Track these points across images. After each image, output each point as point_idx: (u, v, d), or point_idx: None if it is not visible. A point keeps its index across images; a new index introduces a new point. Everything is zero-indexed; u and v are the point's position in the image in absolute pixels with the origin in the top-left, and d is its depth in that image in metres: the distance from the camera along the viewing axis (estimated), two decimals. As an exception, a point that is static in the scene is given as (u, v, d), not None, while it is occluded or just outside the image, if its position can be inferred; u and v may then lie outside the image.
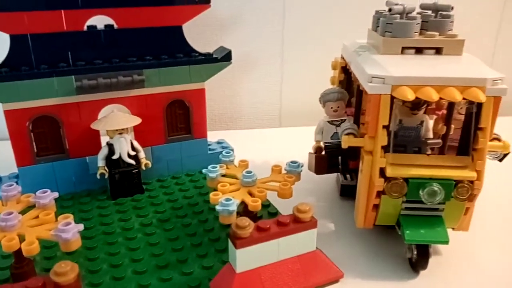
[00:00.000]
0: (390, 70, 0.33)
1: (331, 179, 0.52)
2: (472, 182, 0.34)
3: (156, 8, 0.47)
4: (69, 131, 0.46)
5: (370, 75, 0.34)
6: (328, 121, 0.46)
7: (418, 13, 0.40)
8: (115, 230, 0.42)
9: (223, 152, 0.44)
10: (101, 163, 0.46)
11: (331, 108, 0.45)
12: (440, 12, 0.39)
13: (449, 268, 0.38)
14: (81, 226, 0.31)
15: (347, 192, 0.47)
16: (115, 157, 0.46)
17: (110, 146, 0.46)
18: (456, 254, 0.39)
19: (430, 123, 0.40)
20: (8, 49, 0.42)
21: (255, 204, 0.36)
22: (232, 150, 0.56)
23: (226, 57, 0.51)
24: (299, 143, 0.53)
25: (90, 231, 0.42)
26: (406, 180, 0.34)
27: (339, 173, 0.49)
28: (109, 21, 0.46)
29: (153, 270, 0.36)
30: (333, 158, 0.45)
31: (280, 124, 0.76)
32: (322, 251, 0.37)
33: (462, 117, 0.42)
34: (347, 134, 0.37)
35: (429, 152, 0.39)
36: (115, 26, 0.46)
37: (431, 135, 0.40)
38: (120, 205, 0.46)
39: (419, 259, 0.36)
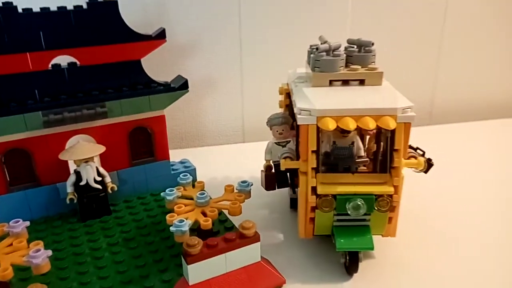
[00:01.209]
0: (315, 104, 0.39)
1: (285, 192, 0.57)
2: (391, 196, 0.40)
3: (116, 46, 0.51)
4: (39, 161, 0.51)
5: (299, 108, 0.39)
6: (275, 143, 0.51)
7: (345, 47, 0.46)
8: (84, 250, 0.46)
9: (181, 175, 0.49)
10: (70, 189, 0.50)
11: (277, 131, 0.50)
12: (363, 47, 0.44)
13: (379, 270, 0.43)
14: (49, 252, 0.36)
15: (296, 205, 0.52)
16: (82, 183, 0.50)
17: (77, 173, 0.50)
18: (386, 257, 0.45)
19: (360, 142, 0.46)
20: (-23, 90, 0.47)
21: (206, 223, 0.41)
22: (194, 169, 0.61)
23: (183, 86, 0.56)
24: (262, 157, 0.57)
25: (61, 253, 0.46)
26: (334, 196, 0.40)
27: (289, 188, 0.55)
28: (72, 59, 0.50)
29: (118, 286, 0.41)
30: (282, 175, 0.50)
31: (243, 140, 0.81)
32: (270, 259, 0.43)
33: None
34: (284, 158, 0.43)
35: (364, 167, 0.45)
36: (78, 63, 0.51)
37: (362, 153, 0.46)
38: (89, 227, 0.50)
39: (350, 264, 0.41)
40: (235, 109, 0.78)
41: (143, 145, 0.57)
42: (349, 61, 0.44)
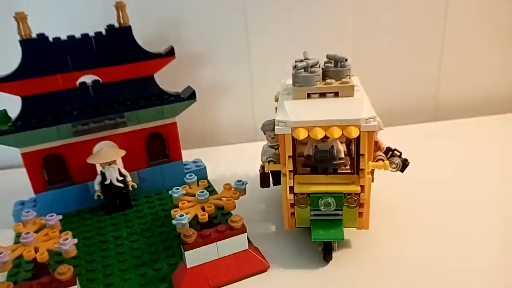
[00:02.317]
0: (290, 116, 0.45)
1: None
2: (358, 194, 0.46)
3: (132, 64, 0.60)
4: (71, 164, 0.60)
5: (277, 120, 0.46)
6: (269, 146, 0.58)
7: (325, 62, 0.52)
8: (108, 239, 0.56)
9: (187, 175, 0.57)
10: (97, 187, 0.60)
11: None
12: (339, 62, 0.50)
13: (353, 258, 0.49)
14: (75, 240, 0.45)
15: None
16: (107, 182, 0.59)
17: (103, 174, 0.60)
18: (362, 248, 0.51)
19: (340, 145, 0.52)
20: (20, 106, 0.56)
21: (203, 217, 0.49)
22: (204, 168, 0.69)
23: (191, 96, 0.64)
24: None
25: (89, 240, 0.55)
26: (309, 194, 0.47)
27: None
28: (95, 77, 0.59)
29: (133, 268, 0.50)
30: (276, 174, 0.57)
31: (255, 139, 0.88)
32: (260, 247, 0.50)
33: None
34: (269, 161, 0.50)
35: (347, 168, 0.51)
36: (100, 81, 0.60)
37: (342, 155, 0.52)
38: (113, 219, 0.60)
39: (325, 252, 0.48)
40: (246, 111, 0.85)
41: (159, 148, 0.65)
42: (326, 75, 0.50)
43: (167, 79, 0.74)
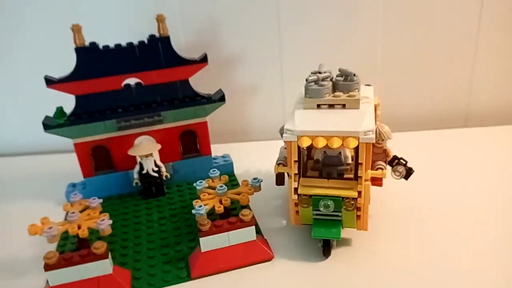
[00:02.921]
0: (297, 125, 0.51)
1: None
2: (355, 199, 0.51)
3: (169, 69, 0.67)
4: (115, 154, 0.70)
5: (285, 128, 0.51)
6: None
7: (337, 75, 0.56)
8: (141, 221, 0.64)
9: (210, 170, 0.64)
10: (135, 175, 0.69)
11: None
12: (348, 77, 0.55)
13: (351, 256, 0.54)
14: (110, 221, 0.54)
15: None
16: (144, 172, 0.68)
17: (140, 164, 0.69)
18: (361, 247, 0.55)
19: (347, 152, 0.56)
20: (74, 103, 0.66)
21: (219, 209, 0.56)
22: (231, 163, 0.76)
23: (221, 98, 0.71)
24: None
25: (126, 221, 0.65)
26: (310, 196, 0.52)
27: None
28: (138, 80, 0.68)
29: (158, 248, 0.58)
30: (290, 174, 0.63)
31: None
32: (270, 238, 0.57)
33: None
34: (278, 164, 0.55)
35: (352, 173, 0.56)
36: (142, 83, 0.68)
37: (349, 161, 0.56)
38: (148, 204, 0.69)
39: (324, 249, 0.53)
40: (276, 110, 0.91)
41: (191, 144, 0.73)
42: (336, 88, 0.55)
43: (205, 79, 0.82)
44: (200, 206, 0.56)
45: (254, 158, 0.82)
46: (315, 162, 0.56)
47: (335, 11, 0.83)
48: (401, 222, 0.60)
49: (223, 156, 0.78)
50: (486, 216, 0.60)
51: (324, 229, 0.53)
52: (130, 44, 0.65)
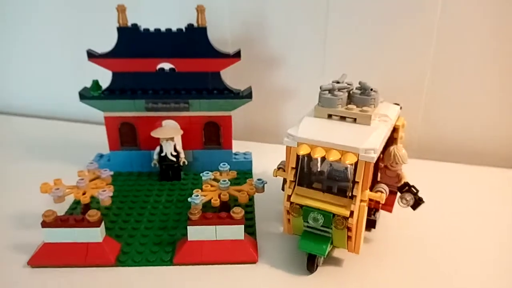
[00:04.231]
0: (299, 132, 0.50)
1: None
2: (346, 218, 0.48)
3: (203, 60, 0.69)
4: (140, 133, 0.73)
5: (287, 133, 0.50)
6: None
7: (356, 87, 0.54)
8: (149, 200, 0.67)
9: (221, 164, 0.65)
10: (155, 157, 0.72)
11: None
12: (365, 91, 0.52)
13: (337, 276, 0.52)
14: (110, 193, 0.57)
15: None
16: (162, 154, 0.71)
17: (161, 146, 0.71)
18: (350, 270, 0.53)
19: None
20: (110, 79, 0.70)
21: (215, 202, 0.57)
22: (250, 161, 0.76)
23: (247, 95, 0.71)
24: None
25: (136, 198, 0.67)
26: (301, 206, 0.50)
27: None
28: (171, 66, 0.70)
29: (155, 229, 0.60)
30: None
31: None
32: (261, 241, 0.56)
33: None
34: (278, 168, 0.54)
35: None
36: (175, 69, 0.70)
37: (357, 178, 0.54)
38: (162, 186, 0.71)
39: (308, 263, 0.52)
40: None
41: (213, 135, 0.74)
42: (352, 100, 0.53)
43: (244, 74, 0.83)
44: (197, 195, 0.57)
45: (278, 161, 0.81)
46: (318, 173, 0.55)
47: (385, 24, 0.79)
48: (403, 253, 0.56)
49: (244, 153, 0.78)
50: (492, 261, 0.55)
51: (311, 243, 0.51)
52: (168, 30, 0.67)
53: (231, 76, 0.76)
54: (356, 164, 0.47)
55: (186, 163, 0.73)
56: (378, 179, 0.57)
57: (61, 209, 0.61)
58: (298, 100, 0.89)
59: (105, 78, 0.70)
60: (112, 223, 0.61)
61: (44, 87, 1.00)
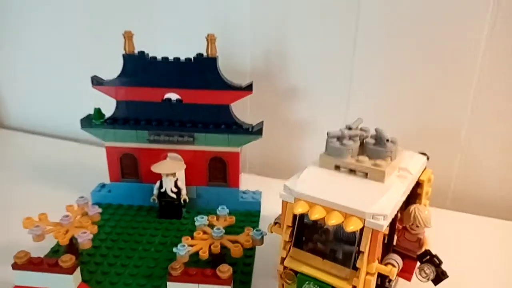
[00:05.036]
0: (297, 185, 0.43)
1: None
2: (347, 292, 0.40)
3: (211, 91, 0.64)
4: (142, 165, 0.68)
5: (285, 185, 0.43)
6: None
7: (371, 136, 0.46)
8: (142, 240, 0.61)
9: (219, 207, 0.59)
10: (155, 192, 0.67)
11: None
12: (381, 140, 0.44)
13: None
14: (90, 236, 0.52)
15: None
16: (162, 190, 0.65)
17: (161, 181, 0.66)
18: None
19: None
20: (114, 108, 0.67)
21: (203, 255, 0.50)
22: (259, 202, 0.69)
23: (257, 132, 0.65)
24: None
25: (129, 237, 0.62)
26: (296, 273, 0.43)
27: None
28: (178, 96, 0.66)
29: (140, 277, 0.54)
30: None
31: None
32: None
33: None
34: (275, 223, 0.47)
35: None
36: (182, 101, 0.65)
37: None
38: (159, 224, 0.66)
39: None
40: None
41: (219, 172, 0.68)
42: (365, 151, 0.45)
43: (262, 103, 0.77)
44: (184, 245, 0.50)
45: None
46: (323, 232, 0.47)
47: (422, 62, 0.71)
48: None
49: (253, 192, 0.71)
50: None
51: (305, 317, 0.44)
52: (176, 59, 0.63)
53: (250, 108, 0.70)
54: (362, 230, 0.40)
55: (187, 200, 0.67)
56: (395, 242, 0.49)
57: (51, 243, 0.57)
58: (319, 135, 0.81)
59: (111, 105, 0.66)
60: (96, 265, 0.56)
61: (61, 105, 0.99)
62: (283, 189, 0.44)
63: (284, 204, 0.44)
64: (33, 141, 0.98)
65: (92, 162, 0.84)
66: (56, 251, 0.58)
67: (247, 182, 0.74)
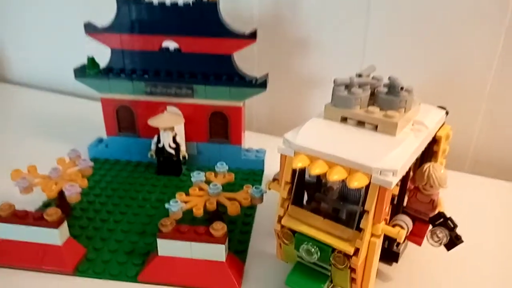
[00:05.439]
0: (298, 137, 0.38)
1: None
2: (350, 256, 0.37)
3: (212, 39, 0.59)
4: (139, 119, 0.64)
5: (284, 137, 0.39)
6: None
7: (384, 84, 0.41)
8: (138, 197, 0.59)
9: (218, 163, 0.55)
10: (152, 147, 0.63)
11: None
12: (394, 88, 0.39)
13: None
14: (78, 189, 0.49)
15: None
16: (160, 145, 0.62)
17: (159, 136, 0.62)
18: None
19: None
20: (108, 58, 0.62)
21: (197, 212, 0.47)
22: (262, 160, 0.65)
23: (261, 84, 0.60)
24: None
25: (125, 193, 0.59)
26: (294, 233, 0.39)
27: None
28: (177, 45, 0.61)
29: (132, 233, 0.51)
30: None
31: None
32: (251, 265, 0.46)
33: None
34: (273, 180, 0.43)
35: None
36: (181, 50, 0.61)
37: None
38: (157, 180, 0.63)
39: (298, 302, 0.41)
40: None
41: (221, 128, 0.64)
42: (376, 101, 0.40)
43: (269, 58, 0.72)
44: (176, 201, 0.47)
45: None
46: (327, 189, 0.43)
47: (444, 9, 0.64)
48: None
49: (257, 150, 0.67)
50: None
51: (303, 280, 0.40)
52: (174, 4, 0.58)
53: (258, 61, 0.65)
54: (367, 188, 0.35)
55: (187, 157, 0.63)
56: (405, 203, 0.45)
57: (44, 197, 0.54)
58: (329, 91, 0.77)
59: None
60: (88, 221, 0.53)
61: (63, 60, 0.95)
62: (282, 142, 0.39)
63: (283, 158, 0.39)
64: (34, 96, 0.95)
65: (93, 117, 0.80)
66: (47, 205, 0.56)
67: (253, 140, 0.70)
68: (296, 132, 0.39)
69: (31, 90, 0.98)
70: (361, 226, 0.36)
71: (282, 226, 0.40)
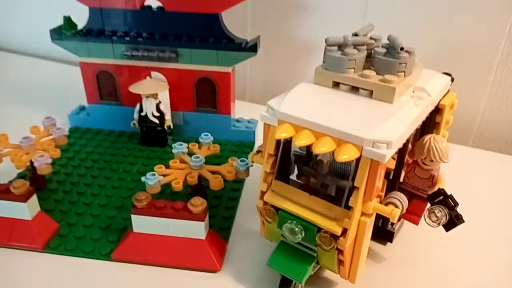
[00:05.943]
0: (283, 104, 0.34)
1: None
2: (337, 237, 0.33)
3: (197, -4, 0.54)
4: (121, 85, 0.60)
5: (268, 104, 0.35)
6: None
7: (382, 45, 0.36)
8: (119, 168, 0.55)
9: (202, 134, 0.51)
10: (135, 116, 0.59)
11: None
12: (394, 49, 0.35)
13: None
14: (48, 160, 0.45)
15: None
16: (142, 114, 0.58)
17: (141, 104, 0.58)
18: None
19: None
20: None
21: (176, 186, 0.43)
22: (253, 131, 0.61)
23: (251, 48, 0.55)
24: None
25: (105, 164, 0.56)
26: (277, 210, 0.36)
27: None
28: (160, 4, 0.56)
29: (110, 207, 0.48)
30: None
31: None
32: (233, 243, 0.43)
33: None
34: (257, 152, 0.39)
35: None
36: (165, 9, 0.56)
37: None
38: (140, 151, 0.59)
39: (280, 286, 0.37)
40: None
41: (208, 96, 0.60)
42: (372, 63, 0.36)
43: (267, 22, 0.67)
44: (154, 174, 0.43)
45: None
46: (316, 163, 0.39)
47: None
48: (426, 281, 0.40)
49: (248, 121, 0.63)
50: None
51: (286, 261, 0.37)
52: (155, -44, 0.53)
53: (251, 25, 0.60)
54: (358, 161, 0.31)
55: (172, 127, 0.59)
56: (402, 179, 0.41)
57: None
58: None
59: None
60: (64, 194, 0.50)
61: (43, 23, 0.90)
62: (266, 110, 0.35)
63: (266, 127, 0.35)
64: (13, 60, 0.90)
65: (76, 84, 0.76)
66: (22, 177, 0.52)
67: (245, 110, 0.66)
68: (282, 99, 0.35)
69: (10, 55, 0.93)
70: (350, 204, 0.32)
71: (265, 203, 0.36)
